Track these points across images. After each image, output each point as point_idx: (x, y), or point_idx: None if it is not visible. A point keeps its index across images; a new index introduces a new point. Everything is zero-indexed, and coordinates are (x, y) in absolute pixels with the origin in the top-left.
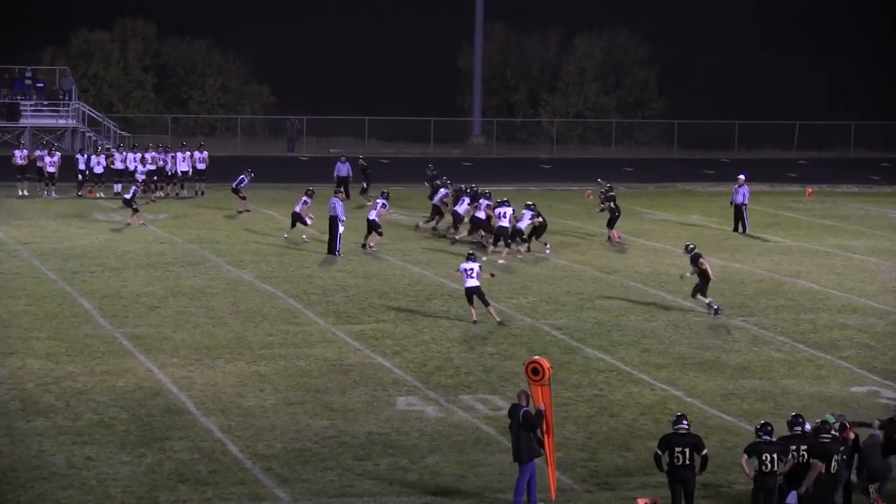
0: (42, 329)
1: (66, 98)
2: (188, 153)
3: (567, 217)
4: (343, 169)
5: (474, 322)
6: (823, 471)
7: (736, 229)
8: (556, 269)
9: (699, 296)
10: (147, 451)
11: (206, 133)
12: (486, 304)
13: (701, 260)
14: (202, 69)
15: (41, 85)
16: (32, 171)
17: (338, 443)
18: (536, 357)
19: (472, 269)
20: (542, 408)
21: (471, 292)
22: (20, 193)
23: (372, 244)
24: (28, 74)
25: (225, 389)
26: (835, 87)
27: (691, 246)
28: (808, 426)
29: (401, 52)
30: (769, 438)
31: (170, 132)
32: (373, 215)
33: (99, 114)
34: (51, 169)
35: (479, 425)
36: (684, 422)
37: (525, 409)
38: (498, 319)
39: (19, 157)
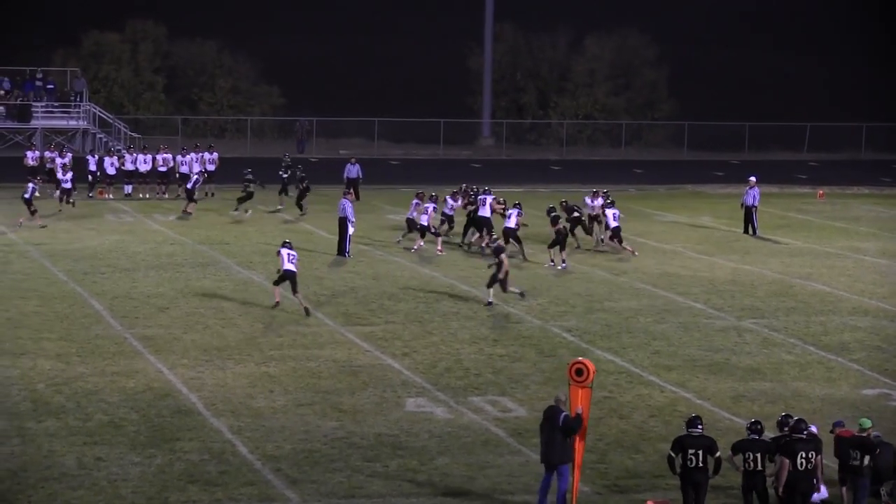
0: (53, 330)
1: (78, 99)
2: (200, 154)
3: None
4: (353, 171)
5: (276, 304)
6: (791, 468)
7: (746, 231)
8: (565, 270)
9: (507, 288)
10: (157, 452)
11: (215, 134)
12: (296, 291)
13: (503, 255)
14: (212, 70)
15: (52, 86)
16: (43, 173)
17: (347, 444)
18: (580, 358)
19: (292, 255)
20: (580, 410)
21: (287, 275)
22: None
23: (439, 249)
24: (39, 76)
25: (235, 390)
26: (845, 88)
27: (496, 237)
28: (813, 428)
29: (410, 54)
30: (756, 437)
31: (180, 133)
32: (424, 220)
33: (110, 115)
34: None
35: (488, 427)
36: (699, 424)
37: (566, 413)
38: (305, 305)
39: (30, 158)
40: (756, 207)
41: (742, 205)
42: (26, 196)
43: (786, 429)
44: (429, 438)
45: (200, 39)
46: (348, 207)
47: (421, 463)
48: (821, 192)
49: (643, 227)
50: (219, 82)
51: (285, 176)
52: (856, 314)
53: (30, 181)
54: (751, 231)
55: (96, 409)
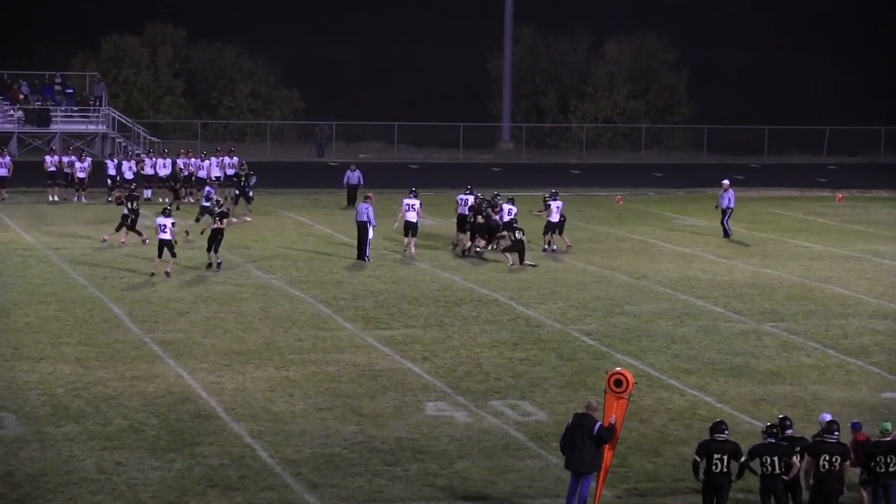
0: (72, 334)
1: (97, 104)
2: (220, 158)
3: (596, 222)
4: (353, 177)
5: (152, 274)
6: (812, 467)
7: (726, 234)
8: (585, 274)
9: (213, 248)
10: (177, 457)
11: (235, 138)
12: (174, 255)
13: (229, 220)
14: (232, 74)
15: (71, 90)
16: (62, 177)
17: (367, 448)
18: (620, 368)
19: (164, 225)
20: (614, 421)
21: (162, 244)
22: (51, 199)
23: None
24: (58, 80)
25: (254, 395)
26: (864, 91)
27: (215, 198)
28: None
29: (430, 58)
30: (773, 441)
31: (199, 138)
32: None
33: (129, 119)
34: (81, 174)
35: (508, 431)
36: (724, 429)
37: (600, 423)
38: (168, 270)
39: (50, 162)
40: (731, 210)
41: (717, 207)
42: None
43: (788, 431)
44: (449, 442)
45: (220, 43)
46: (370, 211)
47: (441, 467)
48: (840, 195)
49: (662, 230)
50: (238, 86)
51: (247, 189)
52: (875, 317)
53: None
54: (727, 234)
55: (116, 413)
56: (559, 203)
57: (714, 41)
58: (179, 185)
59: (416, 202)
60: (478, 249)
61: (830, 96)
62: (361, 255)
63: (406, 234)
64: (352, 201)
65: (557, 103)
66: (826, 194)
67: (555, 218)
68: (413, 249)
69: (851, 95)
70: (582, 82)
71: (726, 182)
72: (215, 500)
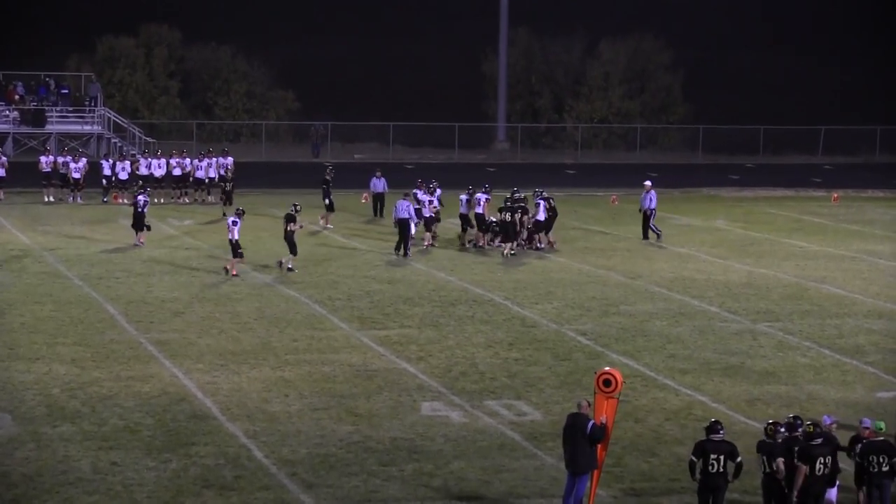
0: (68, 335)
1: (92, 104)
2: (214, 159)
3: (591, 222)
4: (379, 185)
5: (226, 270)
6: (808, 472)
7: (646, 237)
8: (580, 274)
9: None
10: (172, 457)
11: (231, 139)
12: (235, 255)
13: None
14: (227, 75)
15: (66, 91)
16: (57, 178)
17: (362, 448)
18: (608, 368)
19: (231, 224)
20: (605, 420)
21: (233, 244)
22: (46, 199)
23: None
24: (50, 79)
25: (250, 395)
26: (860, 91)
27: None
28: (827, 420)
29: (425, 58)
30: (773, 441)
31: (195, 138)
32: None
33: (124, 120)
34: (75, 175)
35: (504, 430)
36: (720, 429)
37: (593, 422)
38: (234, 273)
39: (45, 163)
40: (653, 210)
41: (640, 209)
42: (140, 210)
43: (799, 430)
44: (444, 442)
45: (215, 44)
46: (411, 209)
47: (436, 467)
48: (835, 195)
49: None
50: (234, 87)
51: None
52: (871, 317)
53: (139, 194)
54: (653, 237)
55: (111, 413)
56: (543, 202)
57: (709, 42)
58: (230, 188)
59: (430, 198)
60: (501, 249)
61: (827, 96)
62: (405, 252)
63: (427, 230)
64: (377, 209)
65: (552, 104)
66: (821, 194)
67: (541, 216)
68: (428, 241)
69: (847, 95)
70: (577, 82)
71: (648, 183)
72: (211, 500)
